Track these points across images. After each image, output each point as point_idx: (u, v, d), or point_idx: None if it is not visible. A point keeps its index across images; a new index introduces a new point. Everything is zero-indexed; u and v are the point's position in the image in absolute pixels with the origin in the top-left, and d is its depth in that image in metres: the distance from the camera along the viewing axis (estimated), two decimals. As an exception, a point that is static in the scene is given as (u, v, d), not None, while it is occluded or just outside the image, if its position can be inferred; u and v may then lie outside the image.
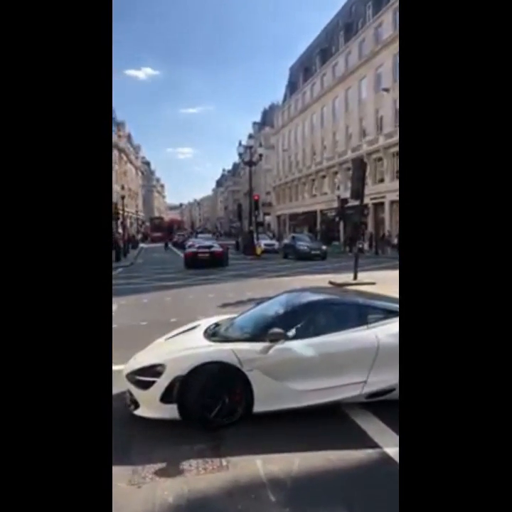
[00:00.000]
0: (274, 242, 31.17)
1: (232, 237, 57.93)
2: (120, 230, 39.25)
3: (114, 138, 64.74)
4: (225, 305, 10.24)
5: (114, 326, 8.51)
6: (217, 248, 21.11)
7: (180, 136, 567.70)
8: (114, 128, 65.48)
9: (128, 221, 57.12)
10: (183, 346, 4.42)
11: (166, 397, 3.86)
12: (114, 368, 5.62)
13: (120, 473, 3.30)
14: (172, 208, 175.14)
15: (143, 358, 4.43)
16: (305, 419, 4.04)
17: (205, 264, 19.37)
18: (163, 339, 5.14)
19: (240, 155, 27.90)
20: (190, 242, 31.45)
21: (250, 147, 27.20)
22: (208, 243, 23.07)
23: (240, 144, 29.19)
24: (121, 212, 40.25)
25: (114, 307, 10.43)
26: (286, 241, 27.04)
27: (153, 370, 3.99)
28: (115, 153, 64.78)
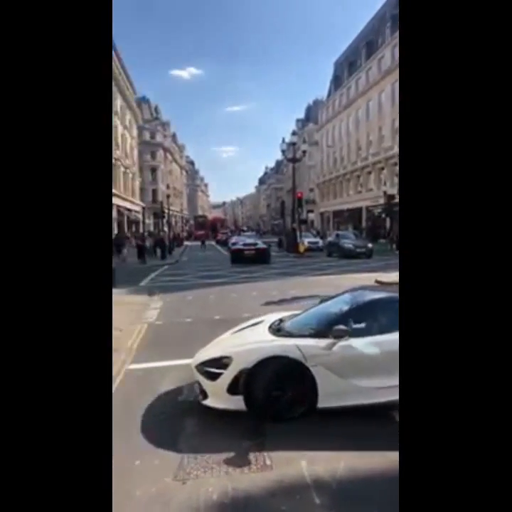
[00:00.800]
0: (318, 239, 30.75)
1: (275, 234, 57.87)
2: (165, 228, 40.08)
3: (159, 138, 66.26)
4: (268, 303, 10.22)
5: (159, 322, 8.73)
6: (261, 245, 22.37)
7: (224, 134, 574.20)
8: (159, 128, 67.05)
9: (173, 219, 58.31)
10: (249, 340, 4.54)
11: (232, 389, 3.99)
12: (162, 363, 5.85)
13: (167, 467, 3.35)
14: (215, 206, 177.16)
15: (210, 351, 4.58)
16: (350, 419, 3.97)
17: (250, 260, 20.64)
18: (229, 333, 5.28)
19: (283, 152, 27.77)
20: (233, 240, 31.67)
21: (293, 144, 27.02)
22: (252, 240, 24.36)
23: (283, 140, 29.05)
24: (166, 210, 41.13)
25: (159, 304, 10.68)
26: (330, 239, 26.66)
27: (221, 362, 4.13)
28: (160, 152, 66.24)
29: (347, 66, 50.05)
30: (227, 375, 4.01)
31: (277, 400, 3.98)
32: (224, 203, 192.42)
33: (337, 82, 54.23)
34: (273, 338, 4.46)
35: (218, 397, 4.09)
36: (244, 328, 5.28)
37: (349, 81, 49.04)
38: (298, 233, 26.39)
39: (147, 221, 54.10)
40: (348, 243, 23.54)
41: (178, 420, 4.17)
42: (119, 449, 3.05)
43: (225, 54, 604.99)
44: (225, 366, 4.06)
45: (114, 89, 39.02)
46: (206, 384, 4.21)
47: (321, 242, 28.81)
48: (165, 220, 42.17)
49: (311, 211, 60.82)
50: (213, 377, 4.12)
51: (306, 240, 27.87)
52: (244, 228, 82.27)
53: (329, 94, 57.35)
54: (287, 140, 30.37)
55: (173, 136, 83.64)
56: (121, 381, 5.29)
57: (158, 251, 25.65)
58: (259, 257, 21.07)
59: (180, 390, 4.92)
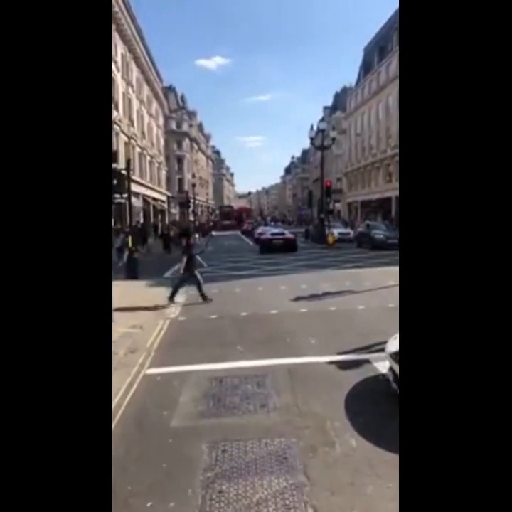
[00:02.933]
0: (348, 230, 29.60)
1: (301, 225, 57.08)
2: (191, 218, 39.79)
3: (186, 127, 66.00)
4: (298, 298, 9.58)
5: (182, 318, 8.22)
6: (289, 235, 23.31)
7: (250, 124, 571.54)
8: (185, 117, 66.75)
9: (198, 209, 58.13)
10: None
11: None
12: (183, 368, 5.30)
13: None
14: (241, 196, 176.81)
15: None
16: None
17: (278, 249, 21.50)
18: None
19: (312, 139, 26.84)
20: (260, 230, 31.13)
21: (322, 130, 26.05)
22: (279, 230, 25.41)
23: (311, 127, 28.07)
24: (191, 200, 40.79)
25: (183, 298, 10.18)
26: (360, 229, 25.73)
27: None
28: (187, 142, 66.04)
29: (377, 51, 48.37)
30: None
31: None
32: (249, 193, 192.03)
33: (366, 68, 52.61)
34: None
35: None
36: None
37: (379, 66, 47.40)
38: (326, 223, 25.55)
39: (173, 211, 54.01)
40: (380, 234, 22.58)
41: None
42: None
43: (251, 43, 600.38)
44: None
45: (141, 77, 38.80)
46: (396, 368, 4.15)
47: (352, 233, 27.81)
48: (190, 210, 41.87)
49: (338, 201, 59.53)
50: None
51: (336, 231, 26.99)
52: (269, 218, 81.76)
53: (358, 81, 55.76)
54: (315, 128, 29.36)
55: (200, 125, 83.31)
56: (136, 390, 4.78)
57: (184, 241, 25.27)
58: (287, 246, 21.87)
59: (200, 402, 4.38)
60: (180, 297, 10.25)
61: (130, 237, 12.22)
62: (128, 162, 12.55)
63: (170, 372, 5.26)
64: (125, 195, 12.55)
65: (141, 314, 8.27)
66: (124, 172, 12.27)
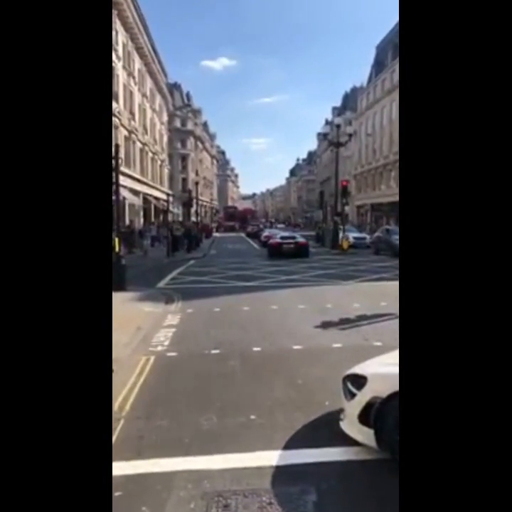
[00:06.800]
0: (365, 235, 27.35)
1: (307, 227, 55.23)
2: (193, 218, 37.74)
3: (190, 125, 64.03)
4: (325, 324, 7.40)
5: (173, 354, 6.02)
6: (300, 239, 21.32)
7: (255, 126, 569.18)
8: (190, 115, 64.80)
9: (202, 210, 56.11)
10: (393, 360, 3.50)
11: (362, 417, 3.32)
12: (166, 464, 2.66)
13: None
14: (245, 197, 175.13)
15: (364, 364, 3.79)
16: None
17: (288, 255, 19.58)
18: None
19: (325, 135, 24.67)
20: (266, 233, 29.12)
21: (338, 126, 23.89)
22: (290, 234, 23.42)
23: (326, 122, 25.94)
24: (194, 199, 38.66)
25: (177, 318, 8.06)
26: (378, 234, 23.52)
27: (359, 381, 3.50)
28: (191, 140, 64.14)
29: (391, 49, 46.25)
30: (359, 400, 3.39)
31: None
32: (254, 195, 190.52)
33: (379, 67, 50.59)
34: None
35: (350, 422, 3.46)
36: None
37: (393, 64, 45.28)
38: (340, 227, 23.42)
39: (176, 211, 51.92)
40: (400, 240, 20.42)
41: None
42: None
43: (257, 45, 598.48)
44: (360, 387, 3.43)
45: (144, 69, 36.87)
46: (343, 402, 3.63)
47: (368, 238, 25.58)
48: (193, 210, 39.73)
49: (347, 204, 57.35)
50: (351, 395, 3.52)
51: (352, 236, 24.85)
52: (272, 220, 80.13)
53: (370, 80, 53.67)
54: (329, 123, 27.18)
55: (205, 124, 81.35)
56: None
57: (186, 243, 23.27)
58: (298, 252, 19.97)
59: None
60: (174, 316, 8.12)
61: (116, 240, 10.10)
62: (116, 148, 10.44)
63: (142, 473, 3.14)
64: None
65: (115, 343, 6.13)
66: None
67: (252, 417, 3.97)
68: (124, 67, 30.29)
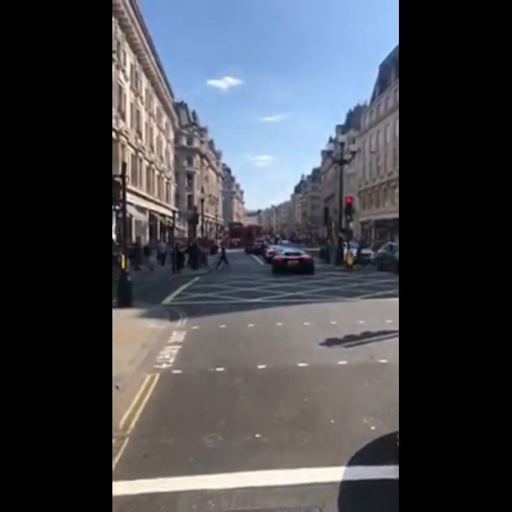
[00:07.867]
0: (369, 251, 27.43)
1: (311, 244, 55.25)
2: (198, 235, 37.88)
3: (196, 143, 64.71)
4: (330, 342, 7.40)
5: (178, 371, 6.04)
6: (305, 255, 21.40)
7: (259, 144, 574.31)
8: (196, 133, 65.55)
9: (207, 226, 56.37)
10: None
11: None
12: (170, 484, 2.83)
13: None
14: (251, 214, 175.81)
15: None
16: None
17: (293, 271, 19.50)
18: None
19: (329, 153, 24.92)
20: (271, 249, 29.11)
21: (342, 144, 24.13)
22: (294, 250, 23.71)
23: (330, 139, 26.21)
24: (199, 215, 38.89)
25: (182, 335, 8.08)
26: (382, 250, 23.54)
27: None
28: (197, 158, 64.76)
29: (394, 67, 46.86)
30: None
31: None
32: (259, 211, 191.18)
33: (382, 85, 51.18)
34: None
35: None
36: None
37: (396, 82, 45.80)
38: (345, 243, 23.45)
39: (181, 227, 52.18)
40: (405, 257, 20.36)
41: None
42: None
43: (262, 64, 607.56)
44: None
45: (151, 89, 37.49)
46: None
47: (373, 254, 25.58)
48: (199, 226, 39.94)
49: (351, 220, 57.41)
50: None
51: (356, 252, 24.87)
52: (277, 236, 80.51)
53: (373, 98, 54.26)
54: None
55: (210, 142, 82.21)
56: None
57: (191, 260, 23.35)
58: (303, 268, 19.89)
59: None
60: (179, 333, 8.15)
61: (123, 257, 10.19)
62: (123, 167, 10.60)
63: (147, 493, 3.15)
64: (118, 207, 10.62)
65: (120, 360, 6.14)
66: (118, 180, 10.32)
67: (257, 435, 3.96)
68: (131, 87, 30.84)
